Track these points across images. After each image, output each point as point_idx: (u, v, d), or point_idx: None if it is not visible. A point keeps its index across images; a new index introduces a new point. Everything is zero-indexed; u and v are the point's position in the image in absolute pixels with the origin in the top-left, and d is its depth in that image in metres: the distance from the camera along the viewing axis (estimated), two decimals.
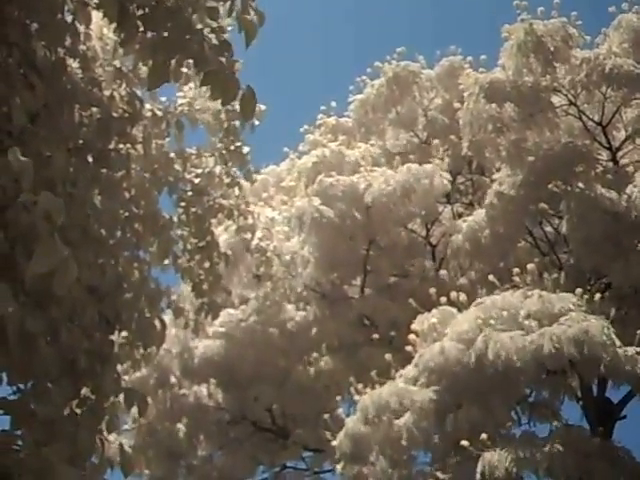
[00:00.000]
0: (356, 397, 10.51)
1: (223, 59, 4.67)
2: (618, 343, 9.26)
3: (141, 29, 4.94)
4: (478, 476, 9.14)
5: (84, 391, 5.24)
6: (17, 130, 5.13)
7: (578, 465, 9.40)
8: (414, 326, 10.73)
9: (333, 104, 15.57)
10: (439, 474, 9.90)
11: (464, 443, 9.20)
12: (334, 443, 10.48)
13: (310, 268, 13.31)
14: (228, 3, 6.19)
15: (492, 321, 9.81)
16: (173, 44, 4.65)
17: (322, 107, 15.57)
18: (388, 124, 14.82)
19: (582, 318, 9.36)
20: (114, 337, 5.82)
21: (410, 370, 10.26)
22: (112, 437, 7.65)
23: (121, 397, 5.42)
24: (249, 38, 4.70)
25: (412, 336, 10.63)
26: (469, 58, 14.44)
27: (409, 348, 10.54)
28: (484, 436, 9.15)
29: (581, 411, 11.60)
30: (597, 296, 9.90)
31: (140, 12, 5.05)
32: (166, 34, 4.73)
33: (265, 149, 15.72)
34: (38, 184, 4.39)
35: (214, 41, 4.73)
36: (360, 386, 10.58)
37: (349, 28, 27.67)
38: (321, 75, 26.47)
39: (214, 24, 4.77)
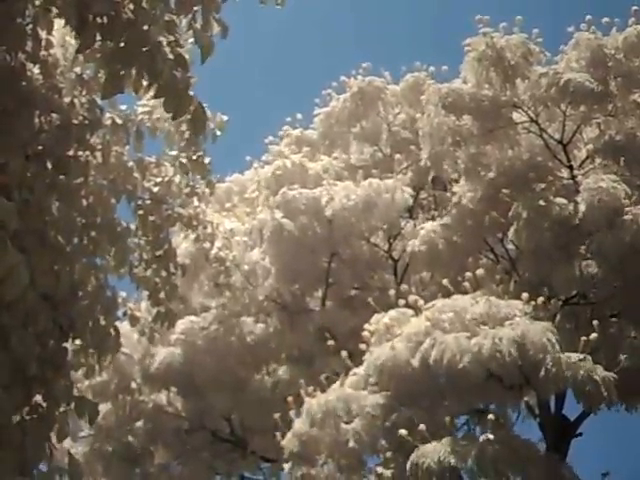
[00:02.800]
0: (305, 399, 10.55)
1: (178, 73, 4.72)
2: (558, 348, 9.38)
3: (99, 38, 4.99)
4: (409, 465, 9.19)
5: (35, 398, 5.26)
6: None
7: (512, 465, 9.49)
8: (368, 325, 10.82)
9: (299, 116, 15.68)
10: (379, 469, 9.94)
11: (402, 432, 9.24)
12: (283, 442, 10.52)
13: (271, 279, 13.39)
14: (189, 16, 6.30)
15: (441, 323, 9.95)
16: (128, 55, 4.70)
17: (287, 119, 15.66)
18: (352, 138, 14.92)
19: (527, 322, 9.50)
20: (68, 345, 5.83)
21: (361, 369, 10.34)
22: (67, 444, 7.67)
23: (73, 405, 5.43)
24: (205, 55, 4.77)
25: (366, 334, 10.72)
26: (432, 68, 14.58)
27: (362, 346, 10.62)
28: (422, 427, 9.21)
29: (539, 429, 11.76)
30: (540, 299, 10.02)
31: (99, 21, 5.10)
32: (122, 45, 4.78)
33: (231, 157, 15.79)
34: None
35: (170, 55, 4.78)
36: (311, 389, 10.62)
37: (317, 41, 27.84)
38: (289, 87, 26.57)
39: (171, 38, 4.81)
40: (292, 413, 10.65)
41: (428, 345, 9.61)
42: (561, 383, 9.48)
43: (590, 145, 12.57)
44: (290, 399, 10.84)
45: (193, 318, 13.74)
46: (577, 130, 12.56)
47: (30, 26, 6.10)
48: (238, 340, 13.62)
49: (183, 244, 10.75)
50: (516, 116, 12.56)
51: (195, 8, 6.09)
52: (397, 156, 13.99)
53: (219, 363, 13.58)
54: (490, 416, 9.70)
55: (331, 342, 11.72)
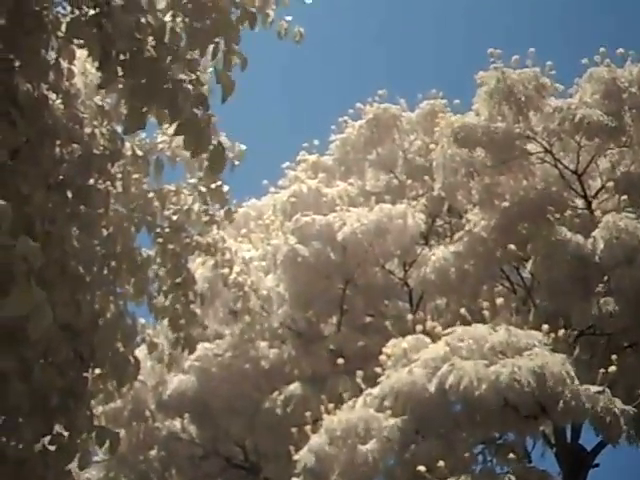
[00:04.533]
0: (324, 416, 10.58)
1: (198, 111, 4.79)
2: (577, 382, 9.41)
3: (121, 74, 5.07)
4: None
5: (56, 428, 5.31)
6: None
7: None
8: (385, 349, 10.86)
9: (315, 142, 15.79)
10: None
11: (421, 468, 9.27)
12: (296, 457, 10.54)
13: (286, 306, 13.44)
14: (210, 50, 6.40)
15: (460, 350, 9.99)
16: (149, 92, 4.78)
17: (304, 144, 15.79)
18: (368, 165, 15.02)
19: (545, 353, 9.54)
20: (88, 374, 5.89)
21: (376, 391, 10.38)
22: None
23: (94, 434, 5.48)
24: (226, 94, 4.84)
25: (383, 357, 10.76)
26: (444, 101, 14.68)
27: (378, 370, 10.67)
28: (441, 463, 9.24)
29: (555, 458, 11.75)
30: (561, 332, 10.08)
31: (121, 57, 5.18)
32: (144, 81, 4.86)
33: (248, 182, 15.90)
34: (16, 222, 4.50)
35: (191, 92, 4.85)
36: (331, 406, 10.66)
37: (334, 69, 28.04)
38: (306, 113, 26.76)
39: (193, 76, 4.88)
40: (308, 429, 10.66)
41: (446, 370, 9.65)
42: (580, 415, 9.53)
43: (605, 176, 12.68)
44: (308, 414, 10.88)
45: (207, 345, 13.79)
46: (592, 161, 12.65)
47: (53, 57, 6.19)
48: (252, 365, 13.65)
49: (199, 269, 10.82)
50: (530, 147, 12.65)
51: (216, 39, 6.23)
52: (409, 182, 14.07)
53: (233, 389, 13.62)
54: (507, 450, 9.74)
55: (341, 361, 11.80)
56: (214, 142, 4.81)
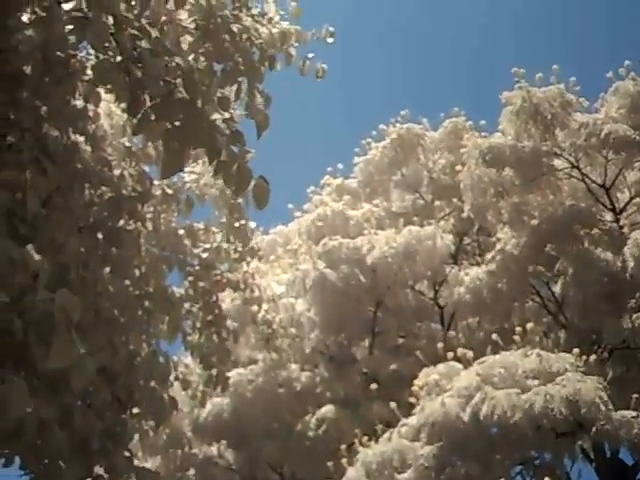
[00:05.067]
0: (360, 448, 10.56)
1: (235, 149, 4.80)
2: (611, 407, 9.35)
3: (153, 117, 5.08)
4: None
5: (97, 470, 5.33)
6: (31, 216, 5.25)
7: None
8: (418, 380, 10.84)
9: (340, 166, 15.84)
10: None
11: None
12: None
13: (317, 330, 13.46)
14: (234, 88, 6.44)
15: (492, 378, 9.95)
16: (185, 134, 4.80)
17: (329, 168, 15.84)
18: (393, 186, 15.03)
19: (578, 378, 9.48)
20: (125, 415, 5.91)
21: (411, 422, 10.35)
22: None
23: (134, 476, 5.50)
24: (260, 129, 4.86)
25: (415, 388, 10.74)
26: (469, 123, 14.71)
27: (412, 399, 10.65)
28: None
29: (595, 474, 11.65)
30: (593, 357, 10.03)
31: (152, 100, 5.20)
32: (178, 123, 4.88)
33: (274, 209, 15.89)
34: (53, 270, 4.55)
35: (226, 131, 4.86)
36: (365, 439, 10.64)
37: (356, 92, 28.13)
38: (330, 137, 26.85)
39: (226, 115, 4.89)
40: (344, 462, 10.64)
41: (479, 400, 9.61)
42: (614, 441, 9.46)
43: (633, 188, 12.65)
44: (343, 447, 10.86)
45: (241, 370, 13.81)
46: (619, 174, 12.60)
47: (80, 103, 6.24)
48: (285, 389, 13.67)
49: (229, 304, 10.88)
50: (557, 163, 12.65)
51: (240, 79, 6.27)
52: (437, 203, 14.06)
53: (267, 413, 13.64)
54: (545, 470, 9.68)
55: (374, 386, 11.78)
56: (255, 177, 4.80)
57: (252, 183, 4.70)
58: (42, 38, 4.98)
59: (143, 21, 5.02)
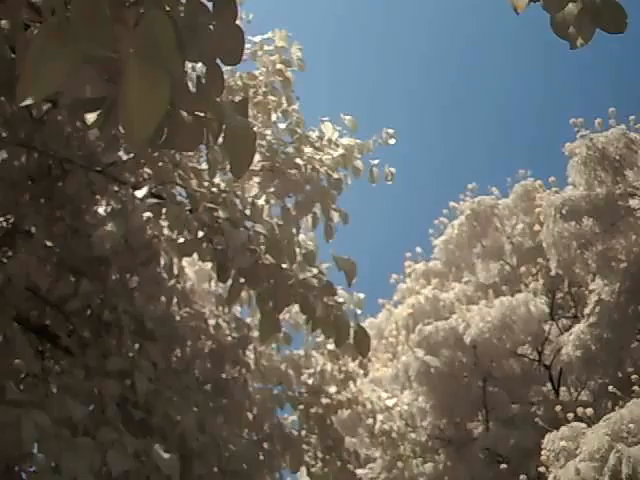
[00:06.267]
0: None
1: (330, 301, 4.81)
2: None
3: (242, 280, 5.17)
4: None
5: None
6: (142, 397, 5.35)
7: None
8: (544, 448, 10.60)
9: (418, 250, 15.86)
10: None
11: None
12: None
13: (429, 417, 13.33)
14: (310, 218, 6.52)
15: (622, 434, 9.66)
16: (277, 296, 4.85)
17: (407, 254, 15.86)
18: (477, 258, 14.96)
19: None
20: None
21: None
22: None
23: None
24: (350, 278, 4.88)
25: (544, 457, 10.50)
26: (539, 182, 14.65)
27: (541, 469, 10.40)
28: None
29: None
30: None
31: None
32: (267, 285, 4.95)
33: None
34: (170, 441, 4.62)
35: (317, 284, 4.90)
36: None
37: (419, 171, 28.22)
38: (402, 224, 26.91)
39: (315, 270, 4.93)
40: None
41: (615, 461, 9.32)
42: None
43: None
44: None
45: (360, 471, 13.67)
46: None
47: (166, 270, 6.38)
48: None
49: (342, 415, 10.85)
50: (633, 203, 12.46)
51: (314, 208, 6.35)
52: (522, 269, 13.96)
53: None
54: None
55: (504, 466, 11.53)
56: (353, 326, 4.80)
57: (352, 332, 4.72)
58: (122, 230, 5.13)
59: (214, 190, 5.14)
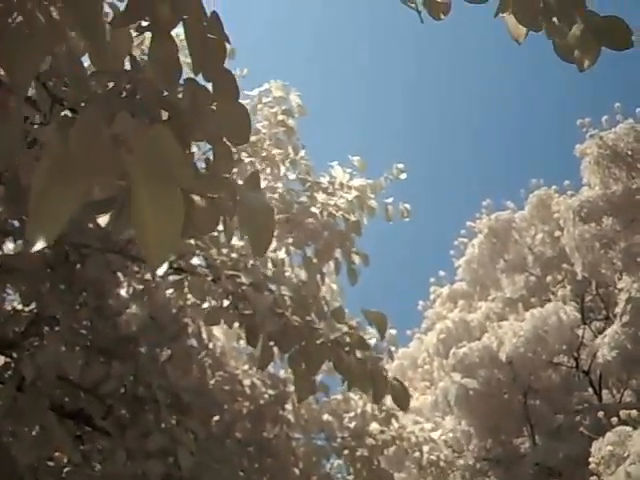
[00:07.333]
0: None
1: (362, 355, 4.70)
2: None
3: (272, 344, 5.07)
4: None
5: None
6: (187, 472, 5.26)
7: None
8: (593, 455, 10.46)
9: (442, 273, 15.81)
10: None
11: None
12: None
13: (475, 440, 13.18)
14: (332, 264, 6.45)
15: None
16: (309, 357, 4.74)
17: (431, 279, 15.82)
18: (500, 273, 14.86)
19: None
20: None
21: None
22: None
23: None
24: (382, 333, 4.78)
25: (593, 465, 10.35)
26: (553, 187, 14.59)
27: (593, 478, 10.25)
28: None
29: None
30: None
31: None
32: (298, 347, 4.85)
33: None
34: None
35: (348, 339, 4.79)
36: None
37: (435, 194, 28.22)
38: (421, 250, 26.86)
39: (345, 328, 4.81)
40: None
41: None
42: None
43: None
44: None
45: None
46: None
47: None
48: None
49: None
50: None
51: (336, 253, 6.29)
52: (548, 278, 13.86)
53: None
54: None
55: None
56: (390, 380, 4.68)
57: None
58: (147, 310, 5.08)
59: (234, 255, 5.09)
